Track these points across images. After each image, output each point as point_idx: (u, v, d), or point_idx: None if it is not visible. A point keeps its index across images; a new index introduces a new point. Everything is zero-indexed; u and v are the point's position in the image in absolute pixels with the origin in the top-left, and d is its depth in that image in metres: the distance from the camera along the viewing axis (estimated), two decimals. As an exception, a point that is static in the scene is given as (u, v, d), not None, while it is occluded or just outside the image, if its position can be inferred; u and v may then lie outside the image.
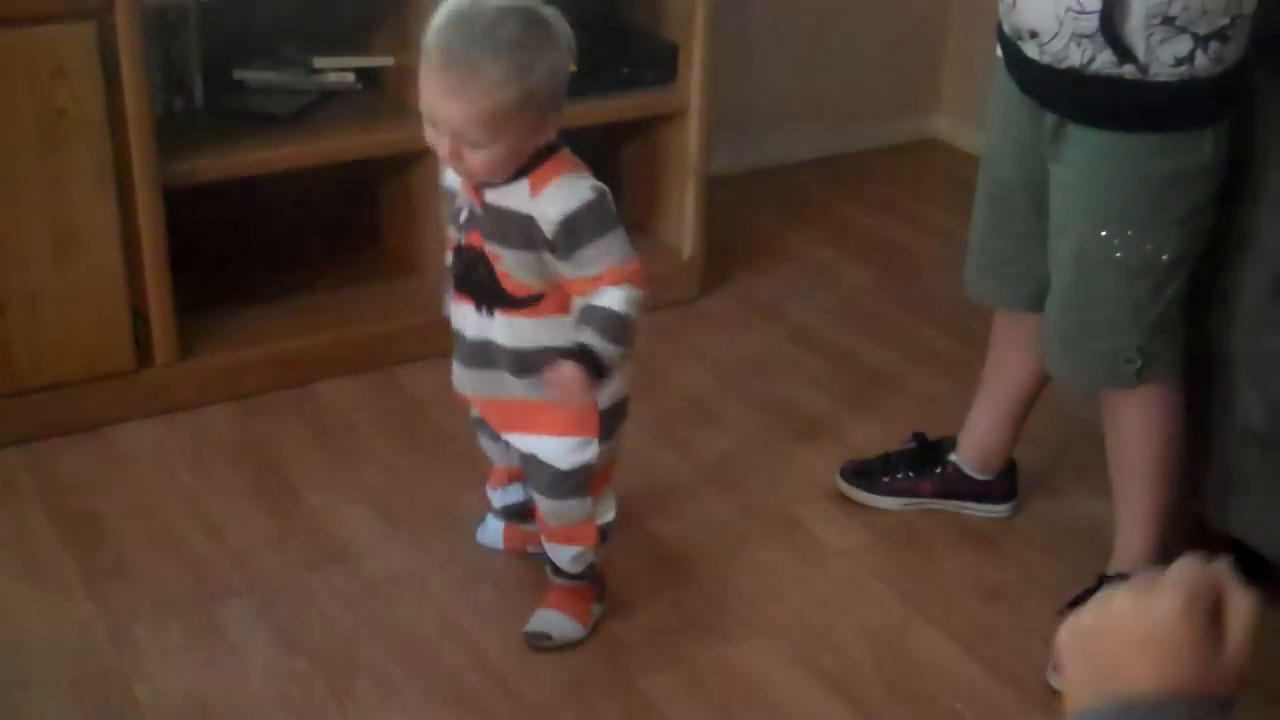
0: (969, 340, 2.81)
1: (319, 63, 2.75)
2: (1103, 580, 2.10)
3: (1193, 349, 2.04)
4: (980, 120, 2.20)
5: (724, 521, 2.38)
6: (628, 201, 3.20)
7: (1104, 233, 1.92)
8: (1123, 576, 2.08)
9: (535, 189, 1.81)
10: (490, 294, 1.89)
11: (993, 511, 2.39)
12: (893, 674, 2.05)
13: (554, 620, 2.06)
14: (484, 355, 1.94)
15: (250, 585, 2.16)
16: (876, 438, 2.54)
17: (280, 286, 2.84)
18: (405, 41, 2.62)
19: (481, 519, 2.26)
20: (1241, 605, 0.86)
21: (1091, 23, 1.79)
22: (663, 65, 2.92)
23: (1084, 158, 1.92)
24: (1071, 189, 1.95)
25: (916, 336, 2.99)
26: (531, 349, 1.88)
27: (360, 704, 1.95)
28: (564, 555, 2.04)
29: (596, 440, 1.95)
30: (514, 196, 1.82)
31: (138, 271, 2.47)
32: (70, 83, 2.29)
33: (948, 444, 2.40)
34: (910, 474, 2.40)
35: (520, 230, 1.83)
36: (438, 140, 1.79)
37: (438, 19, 1.76)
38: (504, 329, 1.90)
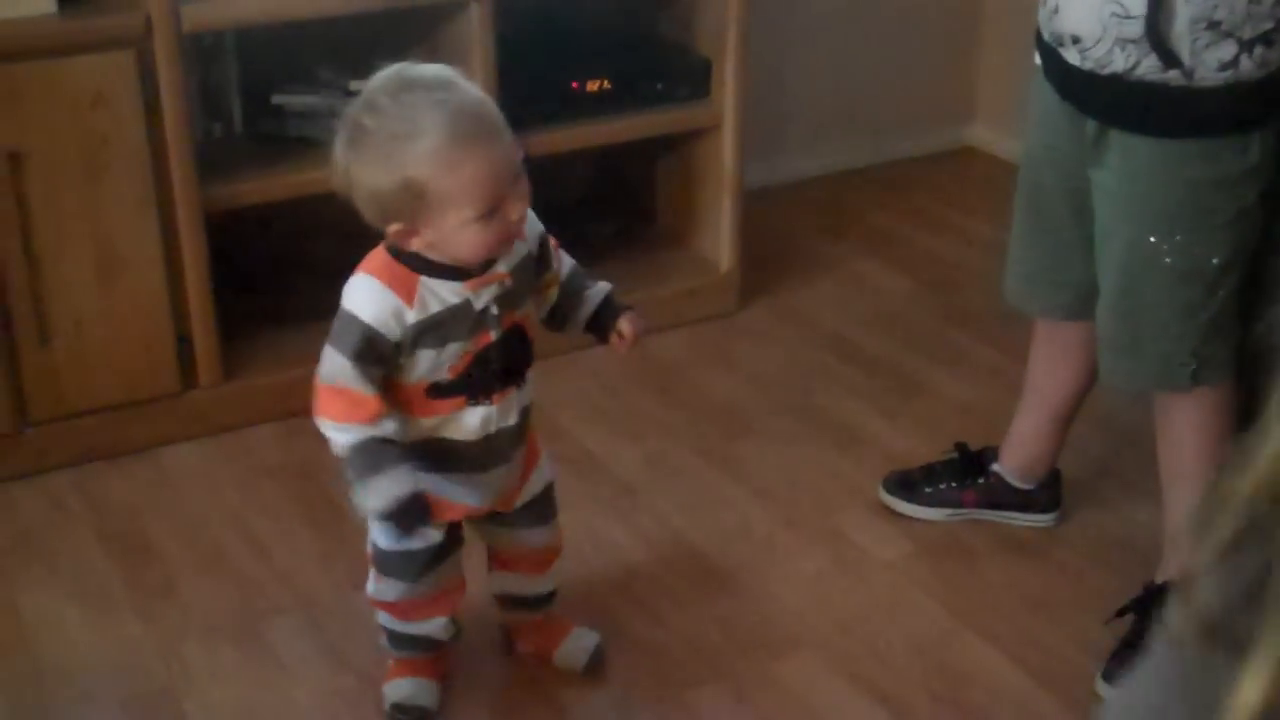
0: (1009, 349, 2.80)
1: (356, 85, 2.75)
2: (1149, 589, 2.09)
3: (1245, 348, 2.03)
4: (1018, 127, 2.20)
5: (766, 533, 2.38)
6: (664, 216, 3.22)
7: (1152, 238, 1.91)
8: (1170, 585, 2.07)
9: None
10: (525, 361, 1.81)
11: (1037, 521, 2.38)
12: (938, 685, 2.04)
13: (586, 636, 2.05)
14: (506, 443, 1.81)
15: (298, 604, 2.18)
16: (918, 448, 2.54)
17: (321, 308, 2.84)
18: (440, 60, 2.63)
19: (407, 685, 1.98)
20: None
21: (1136, 28, 1.78)
22: (696, 80, 2.93)
23: (1128, 164, 1.91)
24: (1115, 195, 1.94)
25: (956, 345, 2.98)
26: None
27: (408, 721, 1.97)
28: (554, 579, 2.02)
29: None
30: (515, 248, 1.76)
31: (181, 295, 2.49)
32: (111, 111, 2.33)
33: (990, 454, 2.39)
34: (953, 484, 2.40)
35: (529, 272, 1.79)
36: (498, 220, 1.64)
37: (407, 126, 1.61)
38: (531, 384, 1.83)
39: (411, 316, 1.69)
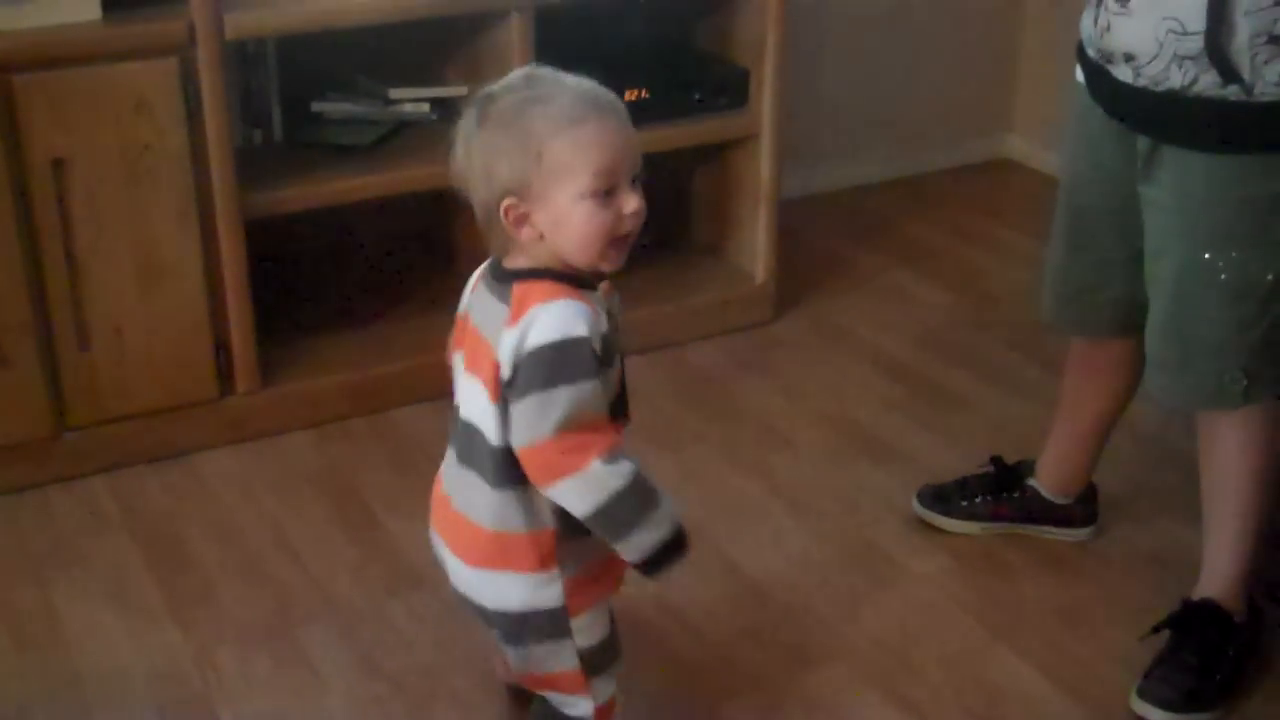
0: (1045, 362, 2.79)
1: (395, 94, 2.79)
2: (1186, 605, 2.07)
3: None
4: (1056, 140, 2.18)
5: (800, 546, 2.37)
6: (700, 226, 3.22)
7: (1206, 255, 1.89)
8: (1208, 601, 2.06)
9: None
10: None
11: (1073, 535, 2.37)
12: (973, 700, 2.03)
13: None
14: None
15: (332, 610, 2.19)
16: (952, 461, 2.53)
17: (358, 315, 2.88)
18: (478, 71, 2.65)
19: None
20: None
21: (1195, 44, 1.77)
22: (734, 90, 2.93)
23: (1183, 180, 1.89)
24: (1170, 212, 1.92)
25: (992, 358, 2.97)
26: None
27: (441, 729, 1.97)
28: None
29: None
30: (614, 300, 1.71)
31: (220, 302, 2.51)
32: (153, 118, 2.34)
33: (1026, 468, 2.38)
34: (988, 498, 2.38)
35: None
36: (612, 208, 1.59)
37: (537, 94, 1.59)
38: None
39: (602, 328, 1.61)
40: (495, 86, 1.62)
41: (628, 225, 1.61)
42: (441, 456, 1.79)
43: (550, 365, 1.56)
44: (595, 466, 1.56)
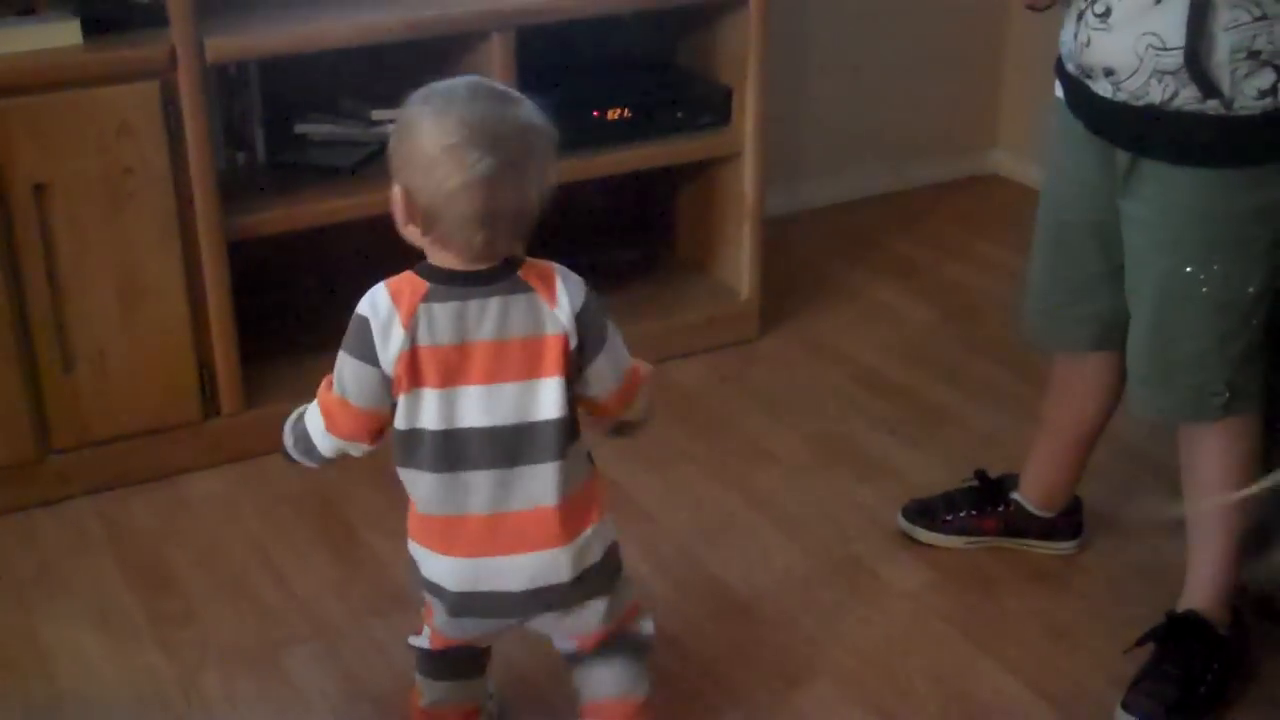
0: (1029, 376, 2.79)
1: (378, 115, 2.79)
2: (1170, 618, 2.07)
3: (1271, 378, 2.02)
4: (1040, 154, 2.19)
5: (784, 561, 2.37)
6: (685, 243, 3.23)
7: (1188, 269, 1.90)
8: (1192, 614, 2.06)
9: None
10: None
11: (1058, 549, 2.37)
12: (958, 714, 2.03)
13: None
14: None
15: (316, 631, 2.18)
16: (937, 476, 2.53)
17: (342, 336, 2.87)
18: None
19: None
20: None
21: (1175, 59, 1.78)
22: (717, 108, 2.94)
23: (1164, 194, 1.90)
24: (1151, 227, 1.93)
25: (976, 373, 2.98)
26: None
27: (425, 749, 1.97)
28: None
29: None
30: None
31: (203, 324, 2.51)
32: (136, 141, 2.35)
33: (1010, 481, 2.39)
34: (973, 512, 2.39)
35: None
36: None
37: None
38: None
39: None
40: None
41: None
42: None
43: (602, 304, 1.71)
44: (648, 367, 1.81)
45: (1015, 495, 2.37)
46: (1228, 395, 1.95)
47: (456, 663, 1.88)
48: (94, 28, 2.35)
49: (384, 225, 2.82)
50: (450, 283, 1.66)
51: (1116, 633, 2.13)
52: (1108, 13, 1.83)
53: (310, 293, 3.01)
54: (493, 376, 1.66)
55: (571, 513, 1.72)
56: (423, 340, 1.65)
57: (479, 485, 1.69)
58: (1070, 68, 1.96)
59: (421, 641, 1.87)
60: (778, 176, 3.41)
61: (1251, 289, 1.90)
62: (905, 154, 3.89)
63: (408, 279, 1.67)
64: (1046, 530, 2.36)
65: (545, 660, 2.00)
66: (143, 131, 2.35)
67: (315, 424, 1.75)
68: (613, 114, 2.83)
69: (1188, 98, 1.79)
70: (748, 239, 3.04)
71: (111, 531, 2.42)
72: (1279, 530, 2.09)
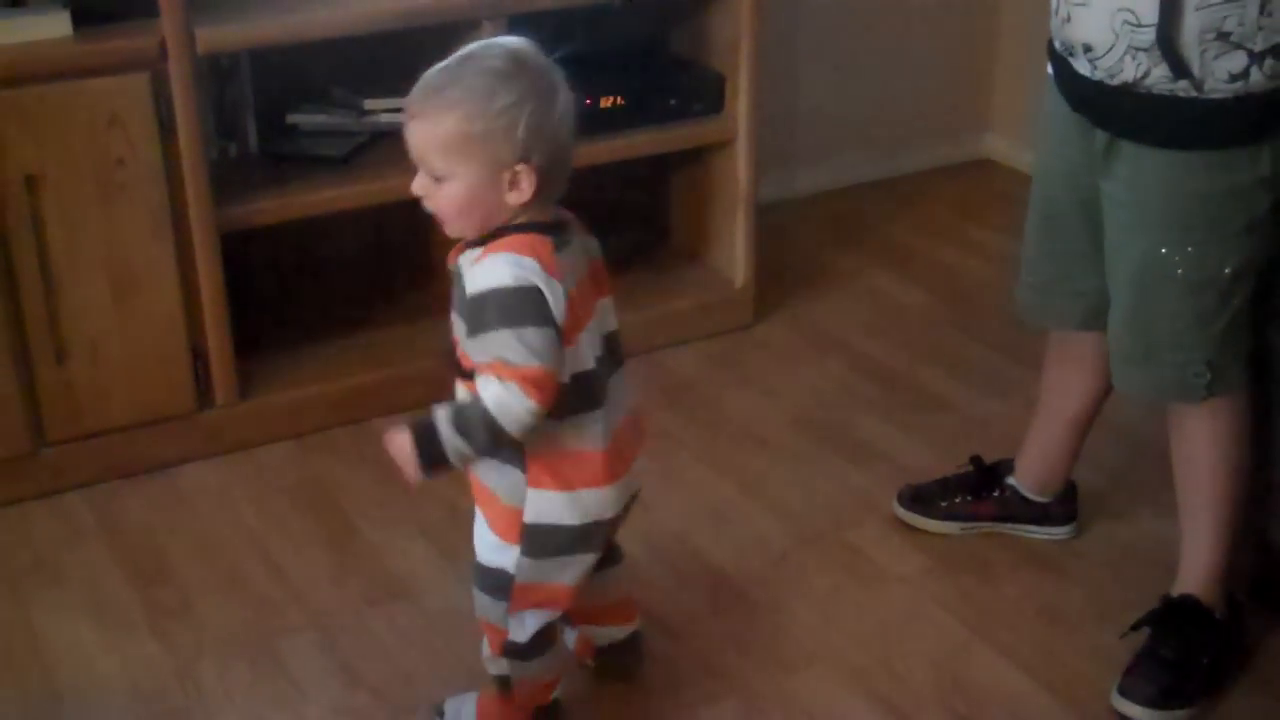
0: (1024, 361, 2.79)
1: (370, 104, 2.78)
2: (1166, 602, 2.07)
3: (1258, 358, 2.02)
4: (1033, 139, 2.20)
5: (780, 548, 2.37)
6: (679, 230, 3.22)
7: (1163, 250, 1.90)
8: (1188, 597, 2.06)
9: (480, 260, 1.68)
10: (453, 364, 1.75)
11: (1054, 534, 2.37)
12: (955, 700, 2.04)
13: (462, 710, 1.95)
14: None
15: (312, 622, 2.18)
16: (932, 461, 2.53)
17: (336, 325, 2.88)
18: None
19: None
20: None
21: (1148, 36, 1.78)
22: (710, 96, 2.93)
23: (1138, 175, 1.90)
24: (1126, 207, 1.94)
25: (971, 358, 2.98)
26: None
27: (422, 739, 1.97)
28: (483, 647, 1.92)
29: (518, 549, 1.78)
30: (467, 263, 1.70)
31: (196, 314, 2.51)
32: (126, 132, 2.34)
33: (1005, 467, 2.39)
34: (968, 498, 2.39)
35: (463, 302, 1.70)
36: (417, 182, 1.71)
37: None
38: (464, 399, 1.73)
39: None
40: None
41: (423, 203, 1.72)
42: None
43: None
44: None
45: (1011, 480, 2.37)
46: (1209, 376, 1.96)
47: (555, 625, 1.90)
48: (84, 19, 2.33)
49: (375, 214, 2.83)
50: (556, 233, 1.71)
51: (1113, 617, 2.14)
52: None
53: (304, 282, 3.01)
54: (590, 304, 1.77)
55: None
56: (570, 287, 1.70)
57: (610, 402, 1.79)
58: (1056, 45, 1.96)
59: (540, 619, 1.84)
60: (771, 163, 3.40)
61: (1228, 269, 1.90)
62: (899, 140, 3.89)
63: (527, 242, 1.67)
64: (1042, 515, 2.36)
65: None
66: (134, 122, 2.34)
67: (518, 406, 1.63)
68: (605, 102, 2.83)
69: (1159, 77, 1.80)
70: (741, 226, 3.03)
71: (106, 523, 2.42)
72: None
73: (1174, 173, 1.87)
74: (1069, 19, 1.88)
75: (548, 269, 1.66)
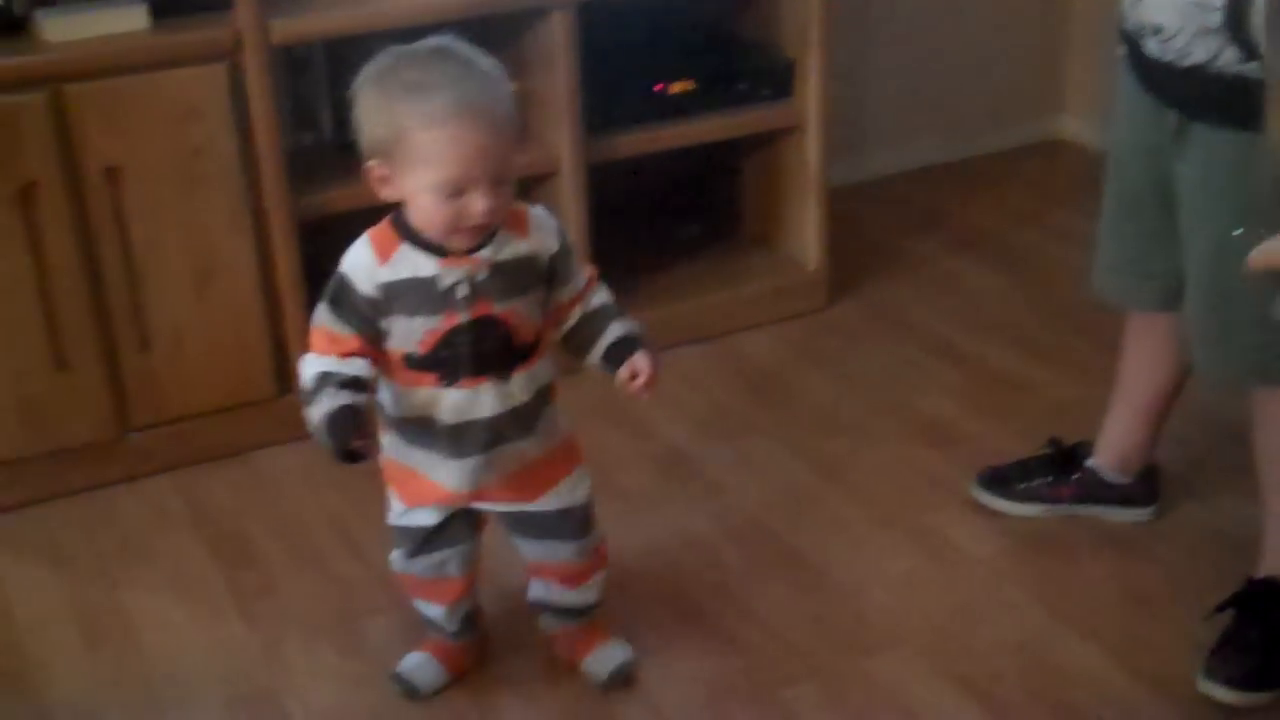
0: (1103, 342, 2.75)
1: (442, 92, 2.79)
2: (1250, 584, 2.05)
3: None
4: (1107, 118, 2.18)
5: (858, 531, 2.37)
6: (750, 214, 3.22)
7: (1237, 231, 1.88)
8: (1272, 579, 2.03)
9: (519, 228, 1.79)
10: (505, 357, 1.80)
11: (1135, 516, 2.35)
12: (1036, 683, 2.02)
13: (616, 650, 2.04)
14: (492, 433, 1.82)
15: (394, 603, 2.20)
16: (1010, 444, 2.51)
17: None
18: (524, 69, 2.66)
19: (417, 658, 2.05)
20: None
21: (1217, 18, 1.75)
22: (779, 80, 2.92)
23: (1210, 157, 1.88)
24: (1199, 188, 1.91)
25: (1048, 340, 2.95)
26: (531, 400, 1.84)
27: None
28: (593, 591, 2.02)
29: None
30: (510, 245, 1.77)
31: (275, 302, 2.54)
32: (204, 123, 2.37)
33: (1085, 449, 2.36)
34: (1048, 479, 2.37)
35: (529, 274, 1.79)
36: (458, 205, 1.69)
37: (421, 80, 1.69)
38: (521, 385, 1.81)
39: (381, 275, 1.76)
40: (404, 51, 1.73)
41: (473, 221, 1.71)
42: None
43: None
44: (306, 357, 1.81)
45: (1090, 462, 2.35)
46: None
47: None
48: (161, 12, 2.37)
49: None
50: None
51: (1196, 599, 2.12)
52: None
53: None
54: None
55: None
56: None
57: None
58: (1127, 26, 1.94)
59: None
60: (843, 146, 3.38)
61: None
62: (971, 121, 3.85)
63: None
64: (1123, 497, 2.34)
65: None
66: (211, 114, 2.38)
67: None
68: (676, 87, 2.83)
69: (1229, 59, 1.77)
70: (813, 210, 3.02)
71: (191, 506, 2.46)
72: None
73: (1245, 155, 1.84)
74: (1139, 1, 1.86)
75: None
